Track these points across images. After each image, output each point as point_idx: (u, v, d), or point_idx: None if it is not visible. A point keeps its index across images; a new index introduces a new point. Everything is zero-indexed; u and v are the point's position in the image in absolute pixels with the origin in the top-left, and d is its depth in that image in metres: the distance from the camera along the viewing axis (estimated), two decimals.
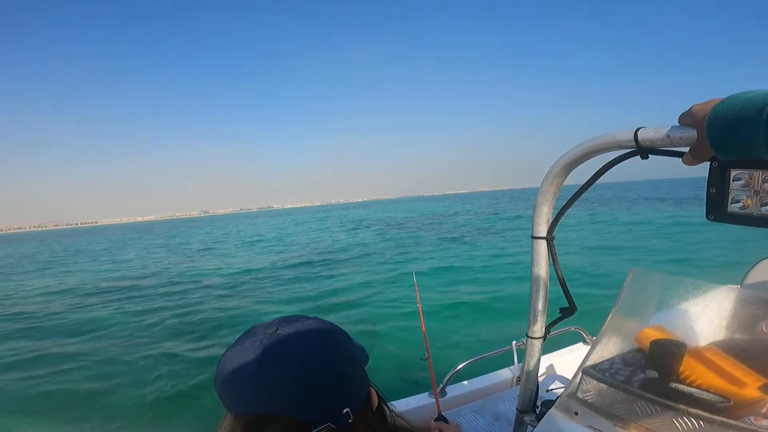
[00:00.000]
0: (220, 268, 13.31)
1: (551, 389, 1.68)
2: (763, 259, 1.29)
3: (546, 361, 2.03)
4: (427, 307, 5.57)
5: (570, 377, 2.06)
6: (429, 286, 7.42)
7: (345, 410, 0.49)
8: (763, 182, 0.58)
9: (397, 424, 0.66)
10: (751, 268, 1.33)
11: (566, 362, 2.06)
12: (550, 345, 1.63)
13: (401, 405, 1.74)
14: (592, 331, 2.19)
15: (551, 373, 2.00)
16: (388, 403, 0.65)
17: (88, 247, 33.47)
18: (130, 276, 13.44)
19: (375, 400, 0.58)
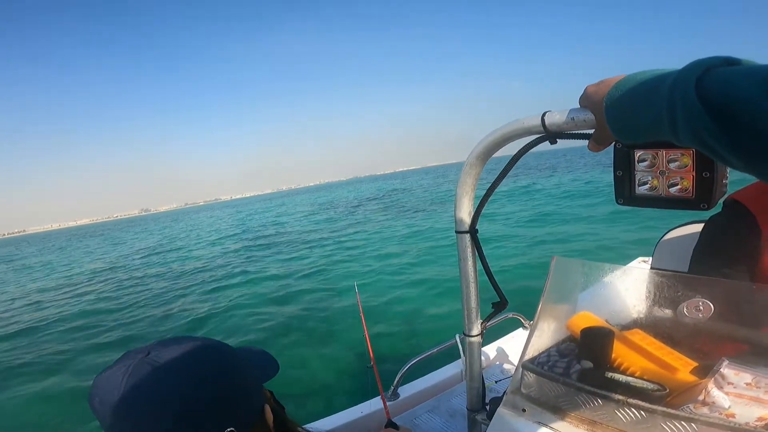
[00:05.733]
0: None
1: (499, 380, 1.72)
2: (669, 231, 1.36)
3: (487, 351, 2.06)
4: (370, 307, 5.53)
5: (515, 364, 2.12)
6: (372, 281, 7.40)
7: (228, 430, 0.48)
8: (668, 162, 0.58)
9: None
10: (660, 239, 1.39)
11: (508, 350, 2.11)
12: (490, 334, 1.65)
13: (355, 412, 1.71)
14: (528, 315, 2.26)
15: (495, 363, 2.04)
16: (294, 421, 0.64)
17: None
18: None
19: (270, 417, 0.57)
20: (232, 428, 0.48)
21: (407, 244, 10.52)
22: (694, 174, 0.56)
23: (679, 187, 0.57)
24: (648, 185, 0.60)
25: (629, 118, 0.47)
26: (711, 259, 0.89)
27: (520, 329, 2.27)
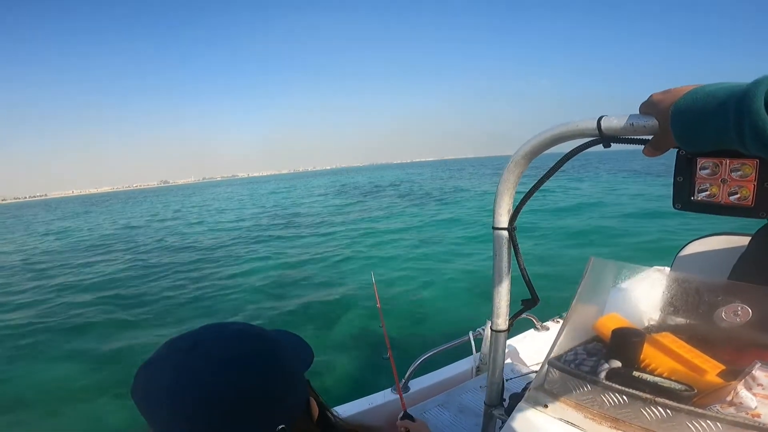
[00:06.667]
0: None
1: (509, 379, 1.73)
2: (690, 242, 1.35)
3: None
4: (383, 298, 5.55)
5: (527, 364, 2.14)
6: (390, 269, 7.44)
7: (280, 427, 0.47)
8: (731, 171, 0.59)
9: (347, 428, 0.65)
10: (679, 251, 1.38)
11: (521, 350, 2.14)
12: None
13: (365, 403, 1.74)
14: (540, 316, 2.30)
15: (507, 362, 2.06)
16: (331, 410, 0.63)
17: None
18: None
19: (316, 410, 0.56)
20: (282, 426, 0.47)
21: (423, 236, 10.53)
22: (756, 184, 0.58)
23: (738, 195, 0.59)
24: (707, 192, 0.62)
25: (696, 127, 0.49)
26: (758, 269, 0.88)
27: (532, 330, 2.29)
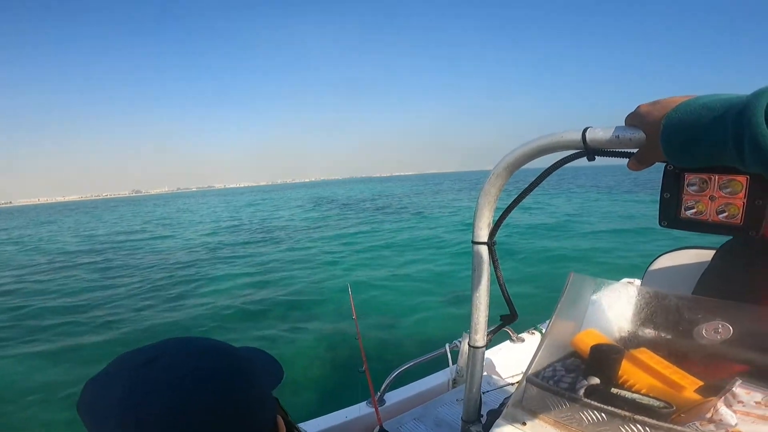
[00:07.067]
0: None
1: (486, 392, 1.72)
2: (661, 255, 1.38)
3: None
4: (364, 311, 5.46)
5: (502, 376, 2.13)
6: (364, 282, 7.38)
7: None
8: (719, 187, 0.57)
9: None
10: (650, 264, 1.41)
11: (496, 362, 2.13)
12: None
13: (340, 417, 1.70)
14: (515, 328, 2.30)
15: (483, 374, 2.06)
16: (299, 427, 0.59)
17: None
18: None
19: (283, 429, 0.52)
20: None
21: (399, 249, 10.53)
22: (746, 201, 0.56)
23: (726, 213, 0.57)
24: (695, 209, 0.59)
25: (690, 142, 0.47)
26: (722, 282, 0.89)
27: (508, 341, 2.29)
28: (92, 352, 5.07)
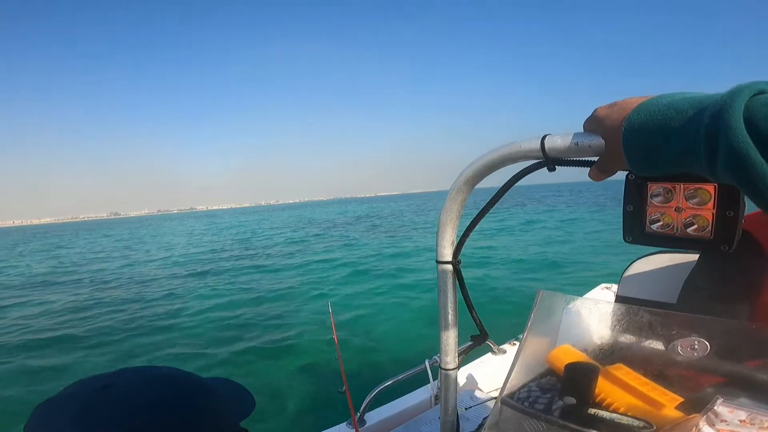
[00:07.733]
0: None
1: (469, 407, 1.68)
2: (637, 260, 1.36)
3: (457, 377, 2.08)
4: (343, 330, 5.38)
5: (484, 390, 2.08)
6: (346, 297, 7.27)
7: None
8: (686, 198, 0.52)
9: None
10: (625, 270, 1.39)
11: (477, 376, 2.08)
12: None
13: None
14: (496, 339, 2.27)
15: (464, 389, 2.01)
16: None
17: None
18: None
19: None
20: None
21: (380, 267, 10.53)
22: (715, 212, 0.51)
23: (695, 226, 0.53)
24: (660, 222, 0.55)
25: (654, 147, 0.41)
26: (707, 291, 0.85)
27: (489, 354, 2.26)
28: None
